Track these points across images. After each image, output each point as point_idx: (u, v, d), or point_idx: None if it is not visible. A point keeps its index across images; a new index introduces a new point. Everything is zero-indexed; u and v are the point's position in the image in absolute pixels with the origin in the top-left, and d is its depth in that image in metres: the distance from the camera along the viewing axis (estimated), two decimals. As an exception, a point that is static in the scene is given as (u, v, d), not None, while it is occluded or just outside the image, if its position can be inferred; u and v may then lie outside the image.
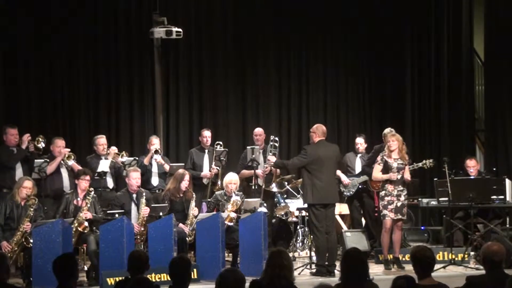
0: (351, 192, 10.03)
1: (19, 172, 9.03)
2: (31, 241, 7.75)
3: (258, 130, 10.48)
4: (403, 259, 9.10)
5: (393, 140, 8.94)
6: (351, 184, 10.01)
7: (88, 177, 8.59)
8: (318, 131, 8.65)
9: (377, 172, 9.02)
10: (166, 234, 8.13)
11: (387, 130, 9.74)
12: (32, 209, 8.07)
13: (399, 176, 8.86)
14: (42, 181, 8.85)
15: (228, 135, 12.09)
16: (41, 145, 9.23)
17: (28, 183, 8.27)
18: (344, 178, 10.04)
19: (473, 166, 10.09)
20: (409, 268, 8.53)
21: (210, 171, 10.11)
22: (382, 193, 8.94)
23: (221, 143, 10.49)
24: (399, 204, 8.84)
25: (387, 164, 8.91)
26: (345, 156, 10.40)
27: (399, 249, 9.00)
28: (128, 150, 10.21)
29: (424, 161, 9.69)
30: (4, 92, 10.84)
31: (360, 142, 10.23)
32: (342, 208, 10.39)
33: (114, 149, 9.84)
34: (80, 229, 8.22)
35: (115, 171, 9.68)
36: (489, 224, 9.56)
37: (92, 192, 8.49)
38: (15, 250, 7.99)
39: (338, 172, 9.79)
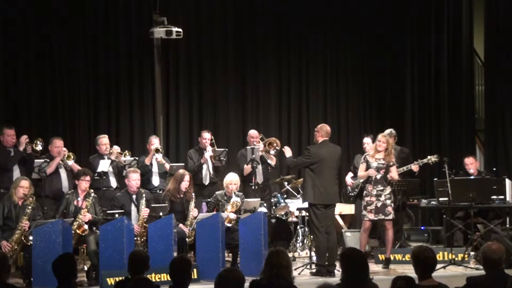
0: (355, 192, 10.04)
1: (16, 173, 9.01)
2: (31, 238, 7.75)
3: (254, 133, 10.46)
4: (403, 259, 9.11)
5: (384, 142, 8.93)
6: (354, 184, 10.02)
7: (88, 178, 8.58)
8: (322, 131, 8.64)
9: (360, 171, 9.07)
10: (166, 234, 8.13)
11: (387, 132, 9.83)
12: (30, 208, 8.08)
13: (378, 176, 8.86)
14: (42, 181, 8.85)
15: (228, 135, 12.10)
16: (39, 147, 9.21)
17: (25, 183, 8.27)
18: (347, 179, 10.05)
19: (471, 163, 10.10)
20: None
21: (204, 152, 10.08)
22: (364, 192, 8.97)
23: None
24: (379, 204, 8.81)
25: (368, 164, 8.94)
26: (354, 158, 10.41)
27: (389, 249, 8.96)
28: (128, 150, 10.20)
29: (428, 157, 9.74)
30: (4, 92, 10.83)
31: (368, 142, 10.15)
32: (342, 208, 10.40)
33: (116, 148, 9.85)
34: (79, 231, 8.21)
35: (118, 171, 9.69)
36: (489, 224, 9.57)
37: (93, 193, 8.50)
38: (15, 249, 8.00)
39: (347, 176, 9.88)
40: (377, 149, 8.94)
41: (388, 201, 8.85)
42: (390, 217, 8.85)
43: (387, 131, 9.87)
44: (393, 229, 8.98)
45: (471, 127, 13.09)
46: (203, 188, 10.08)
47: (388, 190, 8.87)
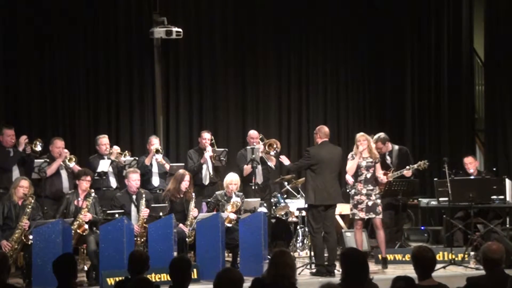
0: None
1: (16, 173, 9.01)
2: (31, 237, 7.76)
3: (254, 133, 10.46)
4: (403, 259, 9.13)
5: (364, 140, 8.96)
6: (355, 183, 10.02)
7: (89, 178, 8.59)
8: (320, 133, 8.72)
9: (349, 166, 9.03)
10: (166, 234, 8.13)
11: (375, 137, 9.94)
12: (30, 207, 8.08)
13: (368, 175, 8.90)
14: (42, 182, 8.84)
15: (228, 135, 12.10)
16: (38, 148, 9.21)
17: (25, 183, 8.28)
18: (348, 178, 10.06)
19: (470, 163, 10.08)
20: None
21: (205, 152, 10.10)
22: (352, 192, 9.02)
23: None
24: (370, 203, 8.86)
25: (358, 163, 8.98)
26: None
27: (384, 249, 9.01)
28: (128, 151, 10.21)
29: (418, 163, 9.75)
30: (4, 91, 10.82)
31: None
32: (342, 208, 10.39)
33: (116, 148, 9.86)
34: (79, 231, 8.21)
35: (118, 171, 9.69)
36: (489, 224, 9.57)
37: (93, 193, 8.50)
38: (15, 248, 8.01)
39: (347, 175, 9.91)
40: (360, 149, 8.97)
41: (378, 201, 8.94)
42: (381, 216, 8.93)
43: (376, 135, 9.97)
44: (383, 228, 9.05)
45: (471, 127, 13.08)
46: (203, 188, 10.08)
47: (377, 190, 8.96)
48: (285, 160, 9.10)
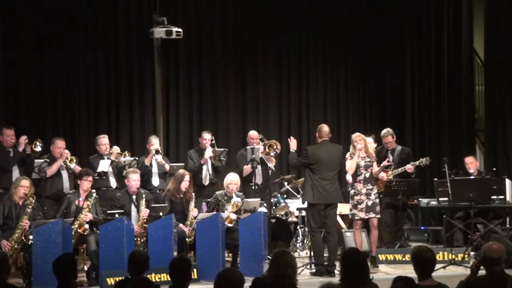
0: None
1: (15, 173, 9.01)
2: (31, 237, 7.76)
3: (254, 134, 10.45)
4: (403, 259, 9.14)
5: (360, 139, 9.05)
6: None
7: (90, 178, 8.60)
8: (320, 132, 8.76)
9: (348, 166, 9.08)
10: (166, 234, 8.14)
11: (384, 131, 10.12)
12: (30, 207, 8.08)
13: (367, 174, 8.99)
14: (42, 182, 8.84)
15: (228, 135, 12.10)
16: (38, 148, 9.21)
17: (26, 182, 8.29)
18: (348, 177, 10.07)
19: (471, 162, 10.10)
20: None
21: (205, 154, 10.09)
22: (352, 192, 9.06)
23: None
24: (369, 202, 8.94)
25: (357, 163, 9.05)
26: None
27: (375, 248, 9.10)
28: (128, 151, 10.21)
29: (420, 160, 9.81)
30: (4, 91, 10.82)
31: (369, 142, 10.18)
32: (342, 208, 10.39)
33: (116, 148, 9.86)
34: (80, 231, 8.22)
35: (118, 171, 9.69)
36: (489, 224, 9.57)
37: (94, 193, 8.50)
38: (16, 248, 8.01)
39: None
40: (358, 148, 9.02)
41: (377, 200, 9.06)
42: (379, 216, 9.03)
43: (384, 130, 10.17)
44: (382, 228, 9.26)
45: (471, 127, 13.08)
46: (203, 189, 10.08)
47: (376, 189, 9.06)
48: (293, 144, 8.95)
